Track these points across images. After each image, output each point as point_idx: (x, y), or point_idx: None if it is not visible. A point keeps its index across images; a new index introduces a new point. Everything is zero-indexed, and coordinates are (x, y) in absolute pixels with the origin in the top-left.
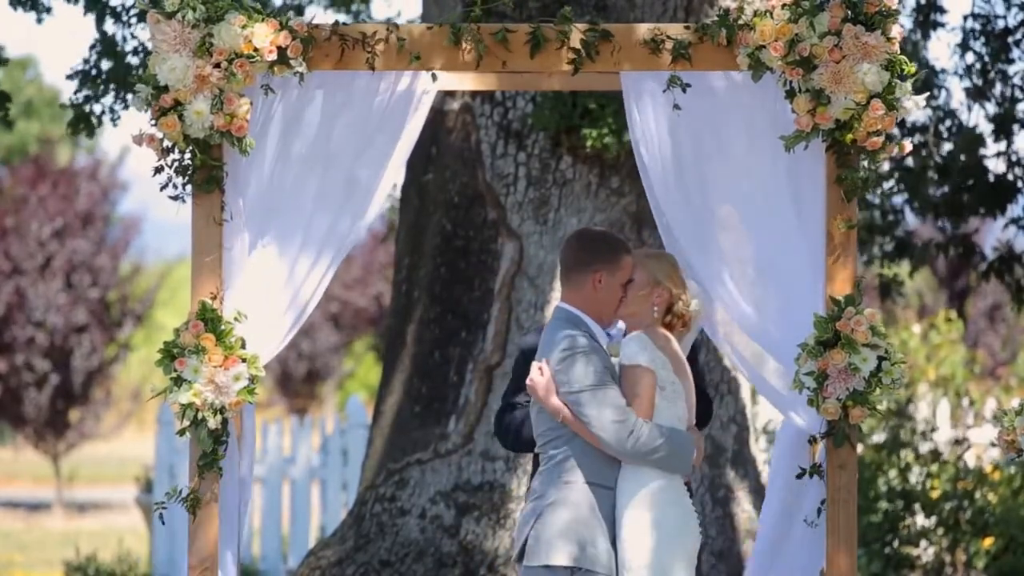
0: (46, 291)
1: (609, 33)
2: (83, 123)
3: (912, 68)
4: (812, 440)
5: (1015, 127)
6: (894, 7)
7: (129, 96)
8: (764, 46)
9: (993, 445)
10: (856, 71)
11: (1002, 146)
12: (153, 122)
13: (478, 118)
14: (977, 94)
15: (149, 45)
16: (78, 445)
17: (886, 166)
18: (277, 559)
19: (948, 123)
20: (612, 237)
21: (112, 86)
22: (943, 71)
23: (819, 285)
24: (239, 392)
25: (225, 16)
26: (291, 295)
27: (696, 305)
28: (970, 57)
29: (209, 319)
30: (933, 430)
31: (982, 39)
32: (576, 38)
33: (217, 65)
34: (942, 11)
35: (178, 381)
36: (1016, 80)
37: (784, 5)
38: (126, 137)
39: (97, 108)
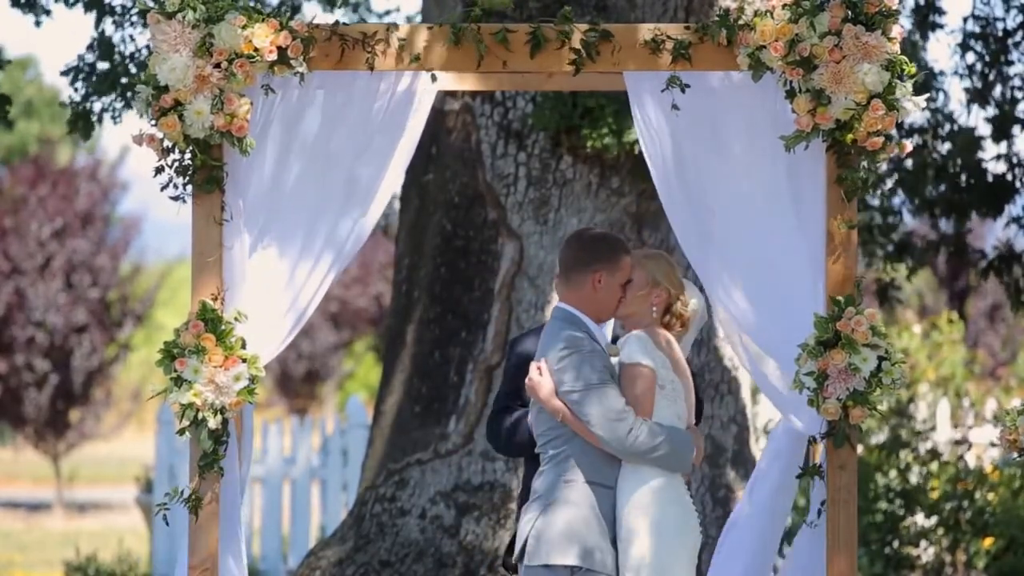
0: (46, 291)
1: (609, 33)
2: (82, 122)
3: (912, 68)
4: (812, 440)
5: (1015, 128)
6: (894, 7)
7: (128, 95)
8: (764, 46)
9: (993, 445)
10: (856, 71)
11: (1002, 147)
12: (153, 122)
13: (478, 118)
14: (977, 96)
15: (147, 49)
16: (78, 445)
17: (885, 166)
18: (277, 559)
19: (947, 126)
20: (612, 237)
21: (112, 84)
22: (941, 73)
23: (819, 285)
24: (239, 392)
25: (225, 16)
26: (292, 296)
27: (695, 305)
28: (970, 58)
29: (209, 319)
30: (931, 429)
31: (982, 41)
32: (576, 38)
33: (217, 65)
34: (941, 12)
35: (178, 381)
36: (1016, 82)
37: (784, 5)
38: (126, 137)
39: (97, 107)
